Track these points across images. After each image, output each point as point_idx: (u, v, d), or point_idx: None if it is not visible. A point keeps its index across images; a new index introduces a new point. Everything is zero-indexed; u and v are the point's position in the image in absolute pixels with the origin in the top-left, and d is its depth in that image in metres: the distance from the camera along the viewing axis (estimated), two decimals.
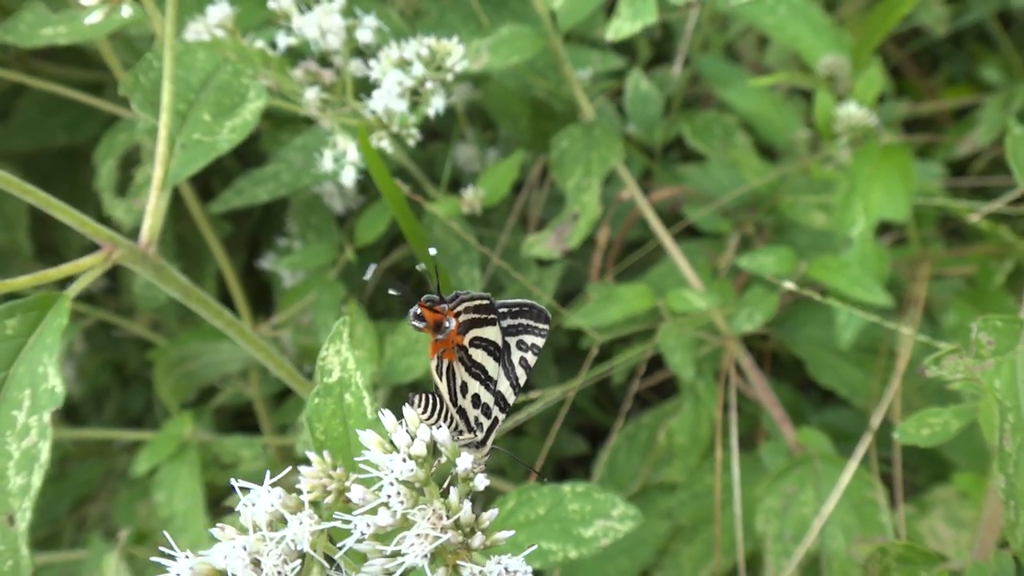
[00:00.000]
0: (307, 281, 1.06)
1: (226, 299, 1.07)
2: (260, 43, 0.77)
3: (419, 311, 0.48)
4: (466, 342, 0.50)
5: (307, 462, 0.46)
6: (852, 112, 0.97)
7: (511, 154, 1.13)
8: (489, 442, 0.52)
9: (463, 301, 0.48)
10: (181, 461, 0.99)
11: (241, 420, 1.30)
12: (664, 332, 0.95)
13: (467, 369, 0.50)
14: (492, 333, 0.50)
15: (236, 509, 0.44)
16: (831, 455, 0.86)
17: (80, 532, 1.23)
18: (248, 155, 1.20)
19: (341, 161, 0.77)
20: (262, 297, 1.22)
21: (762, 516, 0.83)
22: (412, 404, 0.48)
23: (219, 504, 1.15)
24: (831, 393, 1.22)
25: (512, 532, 0.43)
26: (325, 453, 0.45)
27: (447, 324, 0.48)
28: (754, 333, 1.04)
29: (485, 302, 0.49)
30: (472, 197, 0.98)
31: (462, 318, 0.49)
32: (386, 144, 0.76)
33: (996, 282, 1.11)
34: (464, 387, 0.51)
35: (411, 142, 0.77)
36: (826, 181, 1.12)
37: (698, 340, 0.99)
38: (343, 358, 0.51)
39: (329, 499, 0.44)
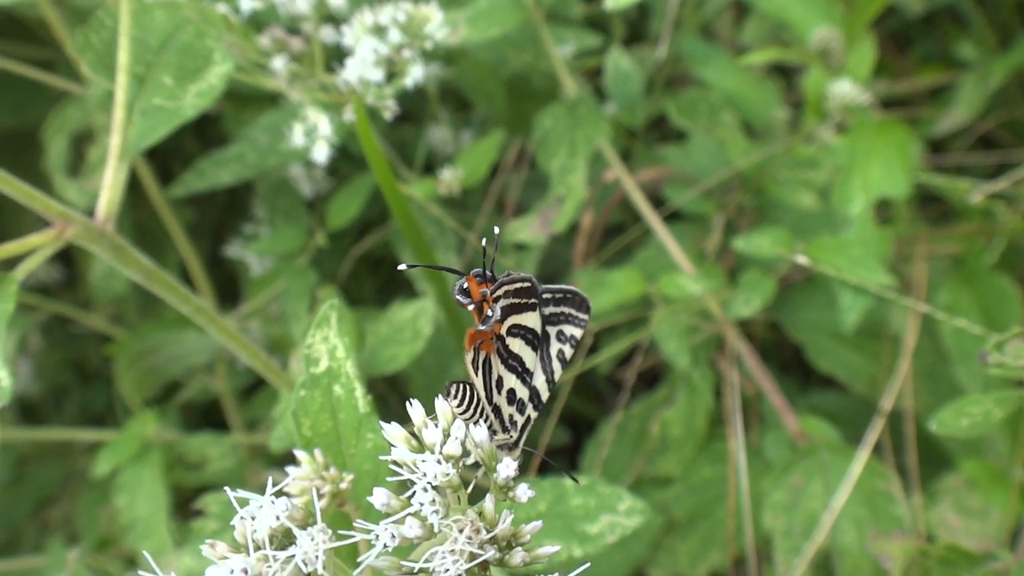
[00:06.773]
0: (276, 268, 0.99)
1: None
2: (222, 7, 0.70)
3: (465, 284, 0.43)
4: (504, 331, 0.44)
5: (282, 461, 0.40)
6: (846, 89, 0.92)
7: (486, 135, 1.07)
8: (521, 443, 0.46)
9: (503, 285, 0.43)
10: (143, 462, 0.92)
11: (210, 416, 1.23)
12: (659, 319, 0.90)
13: (503, 361, 0.45)
14: (532, 320, 0.44)
15: (233, 523, 0.37)
16: (838, 444, 0.82)
17: (42, 536, 1.16)
18: (212, 136, 1.14)
19: (312, 136, 0.71)
20: (229, 287, 1.16)
21: (770, 512, 0.78)
22: (448, 395, 0.43)
23: (185, 507, 1.08)
24: (809, 375, 1.18)
25: (557, 548, 0.37)
26: (317, 452, 0.39)
27: (490, 314, 0.42)
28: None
29: (527, 285, 0.43)
30: (450, 178, 0.92)
31: (501, 303, 0.43)
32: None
33: (987, 261, 1.08)
34: (500, 382, 0.45)
35: (387, 115, 0.71)
36: (810, 160, 1.08)
37: (691, 327, 0.95)
38: (331, 345, 0.45)
39: (322, 503, 0.39)
